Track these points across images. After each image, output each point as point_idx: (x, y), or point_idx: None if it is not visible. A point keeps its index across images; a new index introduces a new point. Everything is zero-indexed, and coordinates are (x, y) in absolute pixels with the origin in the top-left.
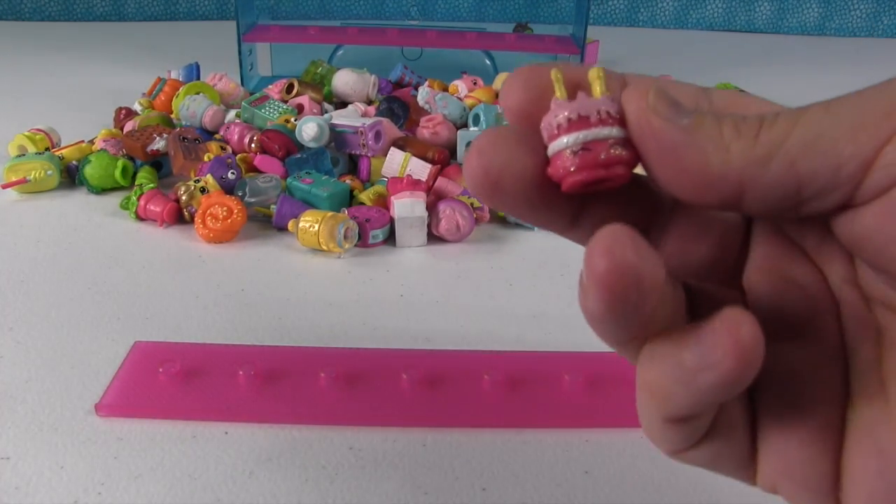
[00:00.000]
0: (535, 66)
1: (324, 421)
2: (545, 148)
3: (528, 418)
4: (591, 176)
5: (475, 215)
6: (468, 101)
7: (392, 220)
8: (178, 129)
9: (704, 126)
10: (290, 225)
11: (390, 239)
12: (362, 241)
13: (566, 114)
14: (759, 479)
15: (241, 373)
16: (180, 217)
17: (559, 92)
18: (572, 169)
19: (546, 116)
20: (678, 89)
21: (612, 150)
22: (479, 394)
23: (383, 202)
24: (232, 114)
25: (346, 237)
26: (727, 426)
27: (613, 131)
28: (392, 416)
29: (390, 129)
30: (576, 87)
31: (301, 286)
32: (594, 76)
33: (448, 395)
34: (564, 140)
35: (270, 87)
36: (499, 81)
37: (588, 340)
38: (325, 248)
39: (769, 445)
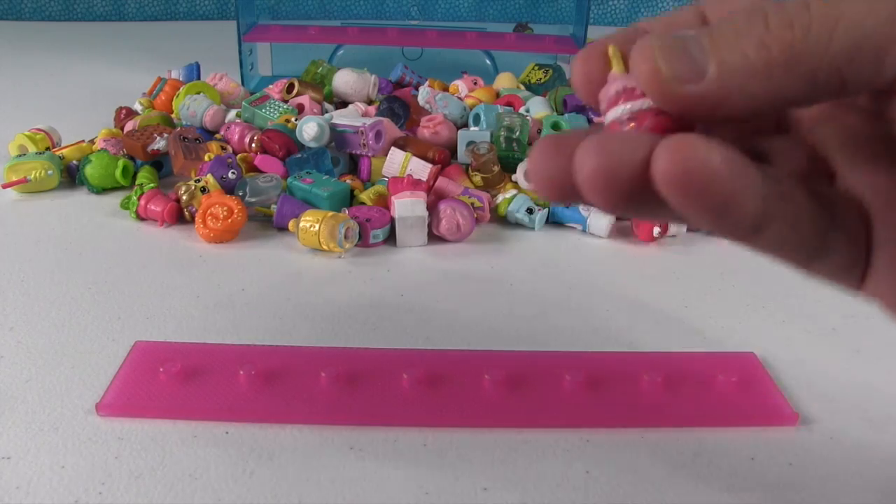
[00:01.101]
0: (593, 44)
1: (324, 420)
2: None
3: (529, 418)
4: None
5: (476, 215)
6: (469, 101)
7: (392, 220)
8: (178, 129)
9: (728, 45)
10: (291, 225)
11: (391, 239)
12: (363, 240)
13: (617, 87)
14: (866, 288)
15: (241, 372)
16: (181, 217)
17: (616, 66)
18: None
19: (603, 89)
20: (677, 19)
21: (657, 117)
22: (479, 394)
23: (384, 202)
24: (232, 113)
25: (346, 237)
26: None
27: (638, 105)
28: (392, 416)
29: (391, 128)
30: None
31: (301, 286)
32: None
33: (448, 395)
34: (618, 110)
35: (271, 86)
36: (499, 81)
37: (588, 340)
38: (325, 247)
39: (878, 261)
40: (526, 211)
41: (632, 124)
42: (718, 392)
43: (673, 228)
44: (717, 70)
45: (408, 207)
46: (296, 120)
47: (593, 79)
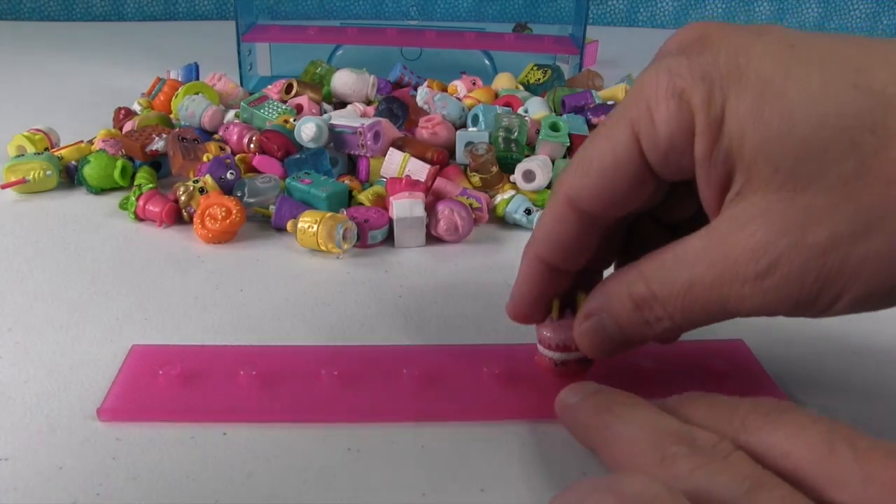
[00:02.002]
0: (525, 303)
1: (322, 420)
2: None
3: (528, 411)
4: (558, 375)
5: (474, 216)
6: (467, 102)
7: (391, 221)
8: (177, 130)
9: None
10: (289, 225)
11: (389, 239)
12: (361, 241)
13: (548, 334)
14: None
15: (240, 373)
16: (179, 217)
17: (555, 313)
18: (548, 364)
19: (540, 326)
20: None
21: (577, 365)
22: (477, 388)
23: (382, 203)
24: (231, 114)
25: (344, 238)
26: None
27: (572, 355)
28: (390, 414)
29: (389, 129)
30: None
31: (300, 287)
32: (581, 298)
33: (446, 391)
34: (547, 352)
35: (269, 87)
36: (498, 81)
37: None
38: (323, 248)
39: None
40: (524, 212)
41: (561, 366)
42: (708, 380)
43: None
44: (634, 345)
45: (406, 208)
46: (294, 120)
47: (533, 306)
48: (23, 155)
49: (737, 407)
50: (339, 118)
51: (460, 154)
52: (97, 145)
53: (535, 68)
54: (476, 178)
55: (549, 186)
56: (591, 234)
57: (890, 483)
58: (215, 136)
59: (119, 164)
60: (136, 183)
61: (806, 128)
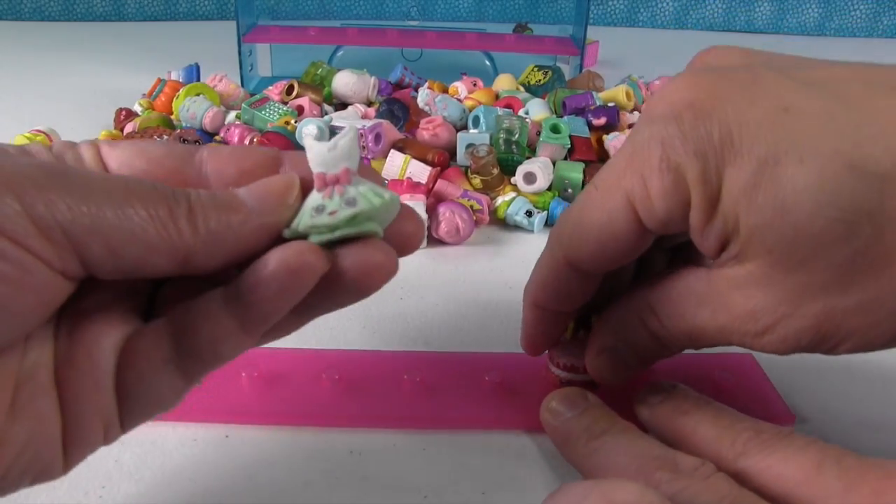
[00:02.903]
0: (536, 322)
1: (324, 423)
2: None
3: (528, 421)
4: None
5: (475, 218)
6: (468, 103)
7: None
8: (178, 131)
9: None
10: None
11: None
12: None
13: (557, 352)
14: None
15: (243, 375)
16: None
17: (568, 333)
18: (555, 381)
19: (552, 349)
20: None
21: (583, 386)
22: (479, 396)
23: None
24: (232, 115)
25: None
26: None
27: (578, 377)
28: (392, 419)
29: (390, 131)
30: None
31: None
32: (595, 319)
33: (447, 398)
34: (555, 370)
35: (270, 88)
36: (499, 82)
37: None
38: None
39: None
40: (525, 213)
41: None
42: (715, 393)
43: None
44: (650, 365)
45: None
46: (295, 122)
47: (544, 342)
48: None
49: (739, 431)
50: (340, 119)
51: (461, 156)
52: None
53: (535, 69)
54: (477, 180)
55: (549, 188)
56: (589, 283)
57: (869, 492)
58: (216, 138)
59: None
60: None
61: (800, 216)
